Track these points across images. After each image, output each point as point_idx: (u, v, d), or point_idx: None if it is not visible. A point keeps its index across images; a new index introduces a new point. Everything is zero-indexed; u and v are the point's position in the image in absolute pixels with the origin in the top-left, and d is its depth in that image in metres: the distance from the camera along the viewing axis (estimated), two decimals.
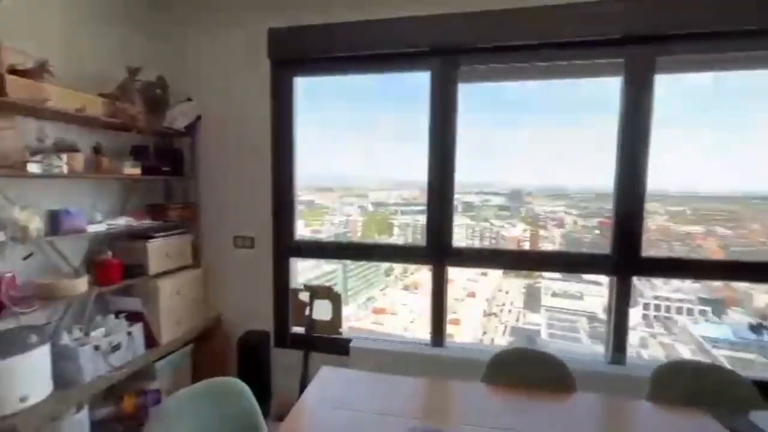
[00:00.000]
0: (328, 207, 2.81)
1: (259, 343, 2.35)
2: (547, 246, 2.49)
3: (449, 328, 2.31)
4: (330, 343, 2.31)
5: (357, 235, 2.79)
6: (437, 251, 2.19)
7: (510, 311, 2.89)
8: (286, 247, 2.41)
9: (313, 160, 2.44)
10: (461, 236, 2.47)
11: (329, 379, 1.43)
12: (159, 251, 2.13)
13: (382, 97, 2.44)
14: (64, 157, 1.67)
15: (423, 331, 2.38)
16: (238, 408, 1.20)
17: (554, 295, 2.76)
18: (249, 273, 2.45)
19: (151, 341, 2.06)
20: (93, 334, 1.78)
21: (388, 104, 2.44)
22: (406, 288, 3.10)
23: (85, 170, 1.79)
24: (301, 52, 2.23)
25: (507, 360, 1.51)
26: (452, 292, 2.78)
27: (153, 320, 2.07)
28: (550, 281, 2.80)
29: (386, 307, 3.03)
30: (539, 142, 2.25)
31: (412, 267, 2.99)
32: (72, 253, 1.90)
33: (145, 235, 2.09)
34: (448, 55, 2.07)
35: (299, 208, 2.46)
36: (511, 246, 2.59)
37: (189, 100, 2.37)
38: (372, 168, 2.57)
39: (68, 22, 1.89)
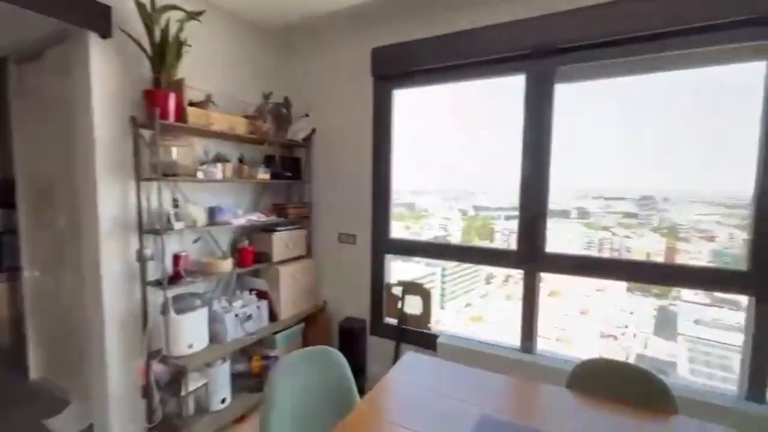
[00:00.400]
0: (427, 210, 2.92)
1: (357, 330, 2.63)
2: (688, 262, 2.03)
3: (556, 345, 2.21)
4: (419, 337, 2.46)
5: (456, 239, 2.79)
6: (528, 256, 2.16)
7: (635, 335, 2.51)
8: (383, 245, 2.64)
9: (416, 164, 2.61)
10: (575, 245, 2.28)
11: (413, 364, 1.57)
12: (281, 242, 2.57)
13: (482, 99, 2.45)
14: (220, 166, 2.19)
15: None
16: (336, 374, 1.44)
17: (698, 322, 2.27)
18: (350, 266, 2.76)
19: (273, 316, 2.51)
20: (234, 304, 2.27)
21: (489, 107, 2.44)
22: (508, 298, 2.98)
23: (233, 176, 2.30)
24: (400, 67, 2.44)
25: (599, 369, 1.44)
26: (561, 306, 2.64)
27: (275, 299, 2.52)
28: (691, 304, 2.30)
29: (483, 314, 2.96)
30: (672, 140, 1.97)
31: (514, 275, 2.88)
32: (222, 240, 2.44)
33: (270, 229, 2.56)
34: (544, 57, 2.04)
35: (399, 210, 2.67)
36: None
37: (306, 115, 2.79)
38: (475, 172, 2.58)
39: (224, 65, 2.45)
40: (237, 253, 2.38)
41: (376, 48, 2.49)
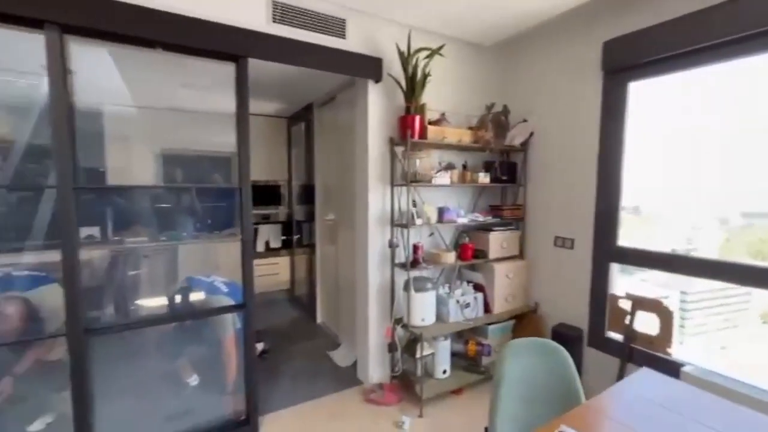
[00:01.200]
0: (661, 215, 2.52)
1: (573, 338, 2.54)
2: None
3: None
4: (653, 360, 2.17)
5: (705, 253, 2.30)
6: None
7: None
8: (607, 252, 2.45)
9: (649, 162, 2.32)
10: None
11: (649, 380, 1.46)
12: (496, 241, 2.78)
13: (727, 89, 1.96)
14: (449, 172, 2.58)
15: None
16: (561, 370, 1.52)
17: None
18: (566, 271, 2.68)
19: (487, 308, 2.75)
20: (456, 292, 2.64)
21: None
22: None
23: (458, 181, 2.66)
24: (635, 58, 2.21)
25: None
26: None
27: (489, 293, 2.75)
28: None
29: (756, 364, 2.09)
30: None
31: None
32: (447, 236, 2.86)
33: (488, 228, 2.79)
34: None
35: (627, 216, 2.42)
36: None
37: (524, 121, 2.88)
38: (734, 172, 2.09)
39: (452, 85, 2.84)
40: (459, 248, 2.73)
41: (609, 41, 2.33)
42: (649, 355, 2.21)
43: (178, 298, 2.26)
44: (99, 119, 2.95)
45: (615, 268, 2.47)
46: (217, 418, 2.19)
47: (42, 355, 2.00)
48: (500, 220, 2.85)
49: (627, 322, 2.31)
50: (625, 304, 2.34)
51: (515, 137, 2.86)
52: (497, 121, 2.85)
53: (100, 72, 2.39)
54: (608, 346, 2.43)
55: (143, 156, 3.50)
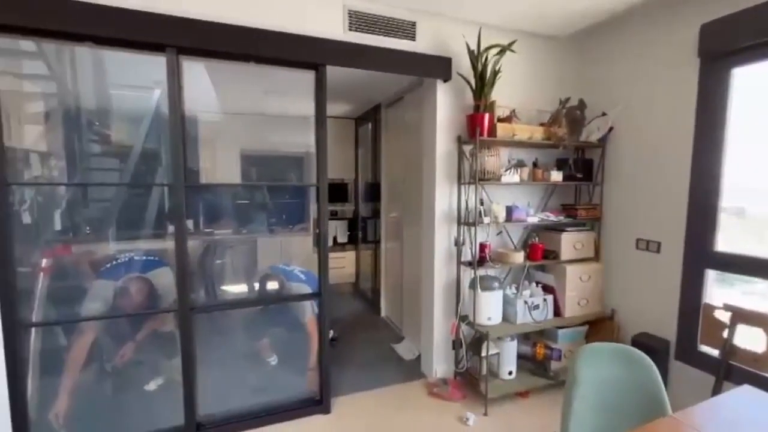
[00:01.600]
0: None
1: (657, 349, 2.34)
2: None
3: None
4: (757, 380, 1.93)
5: None
6: None
7: None
8: (702, 257, 2.22)
9: (762, 163, 2.05)
10: None
11: (751, 399, 1.33)
12: (569, 242, 2.65)
13: None
14: (518, 170, 2.53)
15: None
16: (645, 380, 1.43)
17: None
18: (650, 277, 2.48)
19: (557, 311, 2.65)
20: (524, 292, 2.58)
21: None
22: None
23: (528, 179, 2.59)
24: (739, 41, 1.96)
25: None
26: None
27: (560, 296, 2.64)
28: None
29: None
30: None
31: None
32: (515, 235, 2.80)
33: (559, 228, 2.68)
34: None
35: (728, 218, 2.17)
36: None
37: (603, 114, 2.70)
38: None
39: (524, 80, 2.76)
40: (527, 247, 2.66)
41: (708, 23, 2.10)
42: (751, 374, 1.97)
43: (264, 285, 2.52)
44: (195, 125, 3.38)
45: (711, 276, 2.23)
46: (296, 395, 2.40)
47: (157, 327, 2.37)
48: (573, 220, 2.72)
49: (725, 336, 2.08)
50: (723, 316, 2.11)
51: (592, 133, 2.70)
52: (572, 116, 2.71)
53: (197, 84, 2.75)
54: (700, 360, 2.21)
55: (227, 156, 3.92)
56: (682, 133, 2.27)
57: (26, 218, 2.15)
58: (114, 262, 2.39)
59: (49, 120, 2.52)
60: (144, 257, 2.53)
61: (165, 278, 2.33)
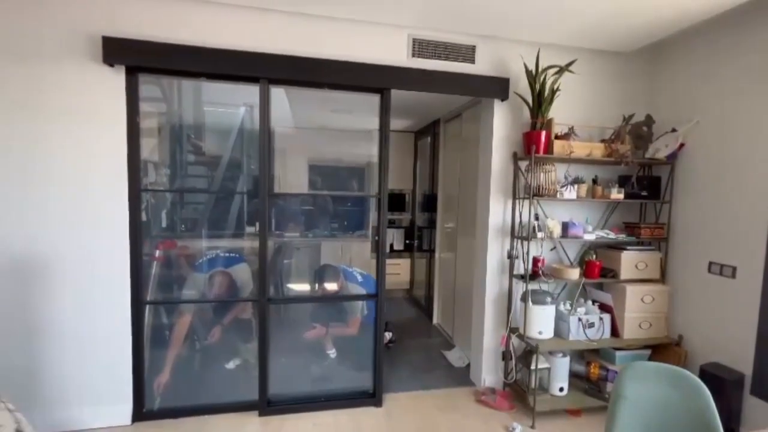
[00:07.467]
0: None
1: (729, 382, 2.19)
2: None
3: None
4: None
5: None
6: None
7: None
8: None
9: None
10: None
11: None
12: (630, 261, 2.58)
13: None
14: (576, 187, 2.53)
15: None
16: (695, 403, 1.42)
17: None
18: (723, 303, 2.33)
19: (615, 331, 2.58)
20: (578, 309, 2.56)
21: None
22: None
23: (586, 196, 2.58)
24: None
25: None
26: None
27: (618, 316, 2.57)
28: None
29: None
30: None
31: None
32: (571, 251, 2.79)
33: (619, 247, 2.62)
34: None
35: None
36: None
37: (673, 130, 2.60)
38: None
39: (584, 97, 2.75)
40: (584, 264, 2.63)
41: None
42: None
43: (323, 274, 2.83)
44: (273, 139, 3.85)
45: None
46: (352, 387, 2.63)
47: (239, 314, 2.76)
48: (636, 239, 2.64)
49: None
50: None
51: (659, 149, 2.61)
52: (637, 132, 2.65)
53: (277, 104, 3.16)
54: None
55: (297, 166, 4.35)
56: (766, 152, 2.13)
57: (143, 216, 2.66)
58: (205, 258, 2.83)
59: (160, 134, 3.06)
60: (227, 254, 2.95)
61: (243, 273, 2.71)
